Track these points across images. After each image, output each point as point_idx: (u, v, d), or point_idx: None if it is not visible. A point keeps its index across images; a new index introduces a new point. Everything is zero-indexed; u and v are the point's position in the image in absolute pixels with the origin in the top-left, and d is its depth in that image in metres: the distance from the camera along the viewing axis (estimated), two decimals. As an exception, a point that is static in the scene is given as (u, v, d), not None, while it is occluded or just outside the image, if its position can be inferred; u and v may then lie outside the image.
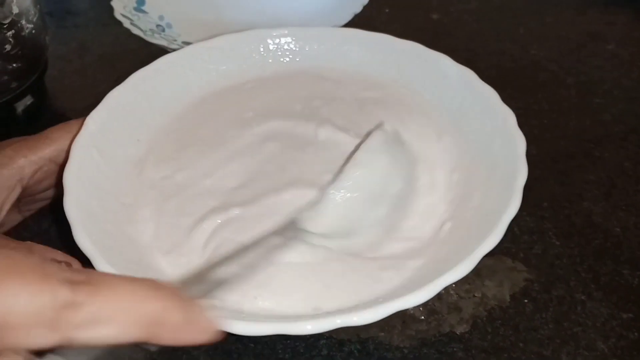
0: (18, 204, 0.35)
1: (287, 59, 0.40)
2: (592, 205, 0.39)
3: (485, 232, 0.27)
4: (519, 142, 0.31)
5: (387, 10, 0.55)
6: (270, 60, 0.40)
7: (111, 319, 0.18)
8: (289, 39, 0.40)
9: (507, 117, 0.32)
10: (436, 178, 0.34)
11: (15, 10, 0.38)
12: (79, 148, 0.31)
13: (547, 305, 0.34)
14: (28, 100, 0.43)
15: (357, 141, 0.34)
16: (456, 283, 0.34)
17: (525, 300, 0.34)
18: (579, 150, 0.43)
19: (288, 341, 0.32)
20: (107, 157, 0.33)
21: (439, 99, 0.36)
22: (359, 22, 0.48)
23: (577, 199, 0.39)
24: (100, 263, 0.26)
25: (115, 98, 0.34)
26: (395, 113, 0.36)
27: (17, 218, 0.36)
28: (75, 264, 0.29)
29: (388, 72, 0.38)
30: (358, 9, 0.45)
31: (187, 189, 0.33)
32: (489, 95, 0.34)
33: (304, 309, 0.29)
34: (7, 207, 0.32)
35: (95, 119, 0.33)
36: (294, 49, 0.40)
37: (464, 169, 0.34)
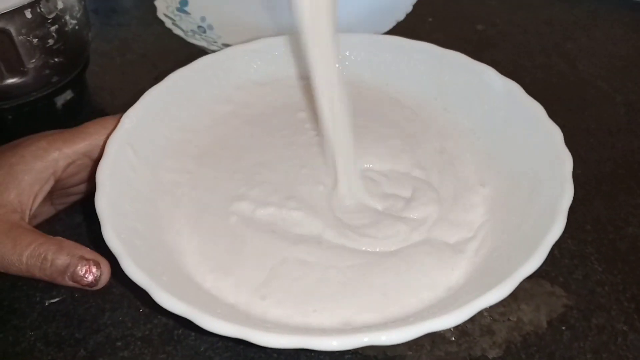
0: (51, 196, 0.35)
1: None
2: (638, 231, 0.37)
3: (527, 253, 0.26)
4: (566, 161, 0.29)
5: (430, 20, 0.54)
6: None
7: None
8: None
9: (554, 134, 0.31)
10: (471, 195, 0.33)
11: (60, 5, 0.38)
12: (113, 145, 0.31)
13: (586, 334, 0.32)
14: (68, 95, 0.43)
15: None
16: (490, 306, 0.33)
17: (563, 328, 0.32)
18: (627, 173, 0.41)
19: (312, 354, 0.31)
20: (141, 156, 0.32)
21: (481, 112, 0.35)
22: (401, 30, 0.47)
23: (623, 224, 0.37)
24: (127, 261, 0.25)
25: (153, 97, 0.34)
26: (432, 133, 0.35)
27: (50, 211, 0.36)
28: (103, 263, 0.29)
29: (429, 82, 0.37)
30: (401, 17, 0.44)
31: (218, 192, 0.33)
32: (535, 110, 0.32)
33: (332, 322, 0.28)
34: (39, 198, 0.32)
35: (132, 116, 0.33)
36: None
37: (504, 187, 0.32)
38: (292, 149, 0.35)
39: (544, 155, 0.31)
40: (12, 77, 0.38)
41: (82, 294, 0.34)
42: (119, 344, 0.32)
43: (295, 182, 0.33)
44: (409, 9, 0.44)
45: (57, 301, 0.34)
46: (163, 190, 0.32)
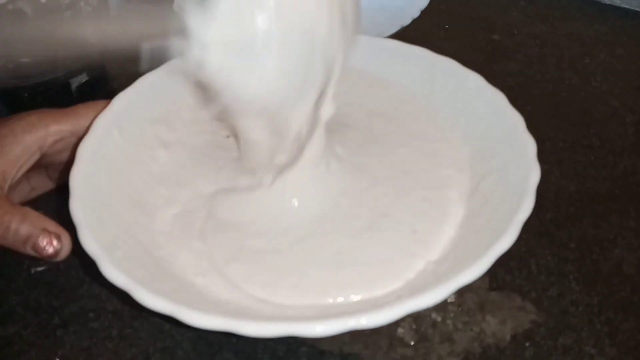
0: (46, 171, 0.37)
1: None
2: (625, 254, 0.36)
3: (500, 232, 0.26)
4: (533, 173, 0.29)
5: (446, 27, 0.54)
6: None
7: None
8: None
9: (528, 146, 0.30)
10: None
11: (76, -8, 0.41)
12: (100, 124, 0.33)
13: (550, 353, 0.31)
14: (83, 78, 0.45)
15: None
16: (454, 314, 0.33)
17: (527, 344, 0.32)
18: (624, 194, 0.39)
19: (270, 343, 0.32)
20: (126, 138, 0.34)
21: (464, 120, 0.35)
22: (414, 36, 0.47)
23: (610, 245, 0.36)
24: (84, 232, 0.27)
25: (146, 82, 0.36)
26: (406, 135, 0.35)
27: (48, 185, 0.38)
28: (64, 236, 0.30)
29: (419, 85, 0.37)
30: (407, 21, 0.44)
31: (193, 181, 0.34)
32: (515, 121, 0.32)
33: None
34: (22, 170, 0.33)
35: (122, 99, 0.34)
36: None
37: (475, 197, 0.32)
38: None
39: (514, 167, 0.30)
40: (27, 57, 0.41)
41: (67, 265, 0.36)
42: (91, 315, 0.34)
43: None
44: (416, 14, 0.44)
45: (43, 270, 0.36)
46: (142, 171, 0.34)
